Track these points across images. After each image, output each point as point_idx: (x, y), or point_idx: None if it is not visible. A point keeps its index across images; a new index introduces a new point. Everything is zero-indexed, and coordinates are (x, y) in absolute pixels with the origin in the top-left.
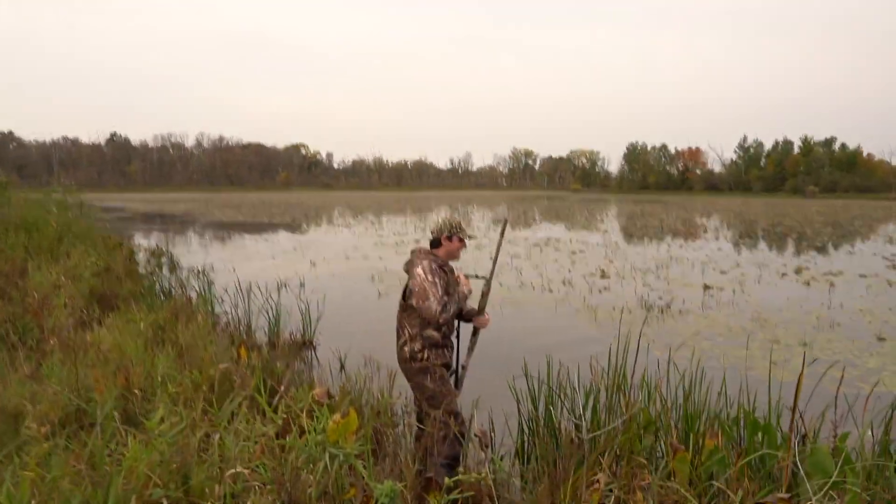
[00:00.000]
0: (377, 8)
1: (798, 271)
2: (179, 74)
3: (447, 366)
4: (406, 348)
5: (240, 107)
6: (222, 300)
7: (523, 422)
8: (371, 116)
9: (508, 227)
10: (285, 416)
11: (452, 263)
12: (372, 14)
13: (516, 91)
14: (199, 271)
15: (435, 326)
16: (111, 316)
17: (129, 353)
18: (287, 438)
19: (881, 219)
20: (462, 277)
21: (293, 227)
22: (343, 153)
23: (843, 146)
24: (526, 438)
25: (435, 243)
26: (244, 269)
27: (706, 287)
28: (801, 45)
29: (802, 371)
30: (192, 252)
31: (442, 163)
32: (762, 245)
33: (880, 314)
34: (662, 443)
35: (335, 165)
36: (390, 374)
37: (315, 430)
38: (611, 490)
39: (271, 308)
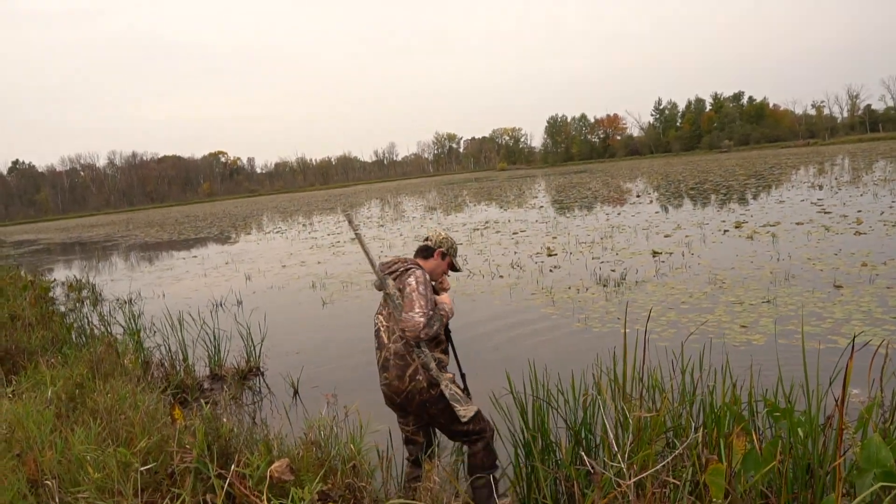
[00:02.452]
0: (285, 7)
1: (738, 226)
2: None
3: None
4: (420, 377)
5: (150, 120)
6: (154, 332)
7: (519, 446)
8: (291, 117)
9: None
10: None
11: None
12: (281, 13)
13: (434, 78)
14: (124, 301)
15: (434, 345)
16: (15, 381)
17: (34, 430)
18: None
19: (795, 165)
20: (445, 296)
21: (222, 239)
22: (265, 157)
23: (751, 99)
24: (523, 467)
25: (428, 252)
26: (175, 291)
27: (655, 253)
28: (703, 3)
29: (853, 352)
30: (117, 280)
31: (367, 156)
32: (695, 204)
33: (829, 261)
34: (683, 454)
35: (258, 170)
36: (352, 407)
37: None
38: None
39: (209, 335)
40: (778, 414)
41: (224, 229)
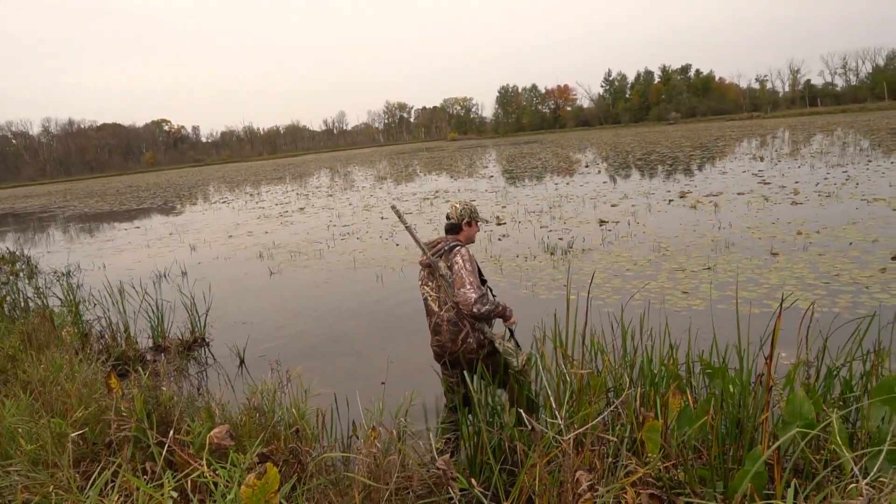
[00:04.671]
0: None
1: (682, 196)
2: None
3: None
4: (471, 339)
5: (87, 87)
6: (94, 304)
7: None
8: (236, 84)
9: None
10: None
11: None
12: None
13: (383, 46)
14: (62, 274)
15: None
16: None
17: None
18: None
19: (739, 137)
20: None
21: (166, 210)
22: (211, 125)
23: (698, 72)
24: (471, 434)
25: (456, 228)
26: (116, 263)
27: (602, 222)
28: None
29: (779, 315)
30: (54, 252)
31: (316, 125)
32: (642, 174)
33: (766, 230)
34: (622, 412)
35: (203, 139)
36: (295, 371)
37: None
38: (593, 486)
39: (151, 306)
40: (711, 373)
41: (168, 199)
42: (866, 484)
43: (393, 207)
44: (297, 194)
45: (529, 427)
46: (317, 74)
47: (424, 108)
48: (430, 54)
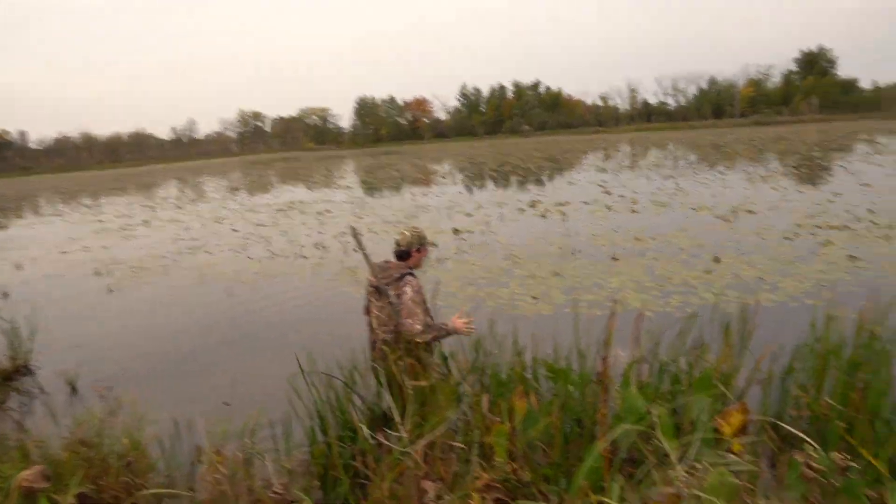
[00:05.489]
0: None
1: (533, 205)
2: None
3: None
4: (400, 363)
5: None
6: None
7: (316, 431)
8: (71, 88)
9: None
10: None
11: None
12: None
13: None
14: None
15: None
16: None
17: None
18: None
19: (585, 151)
20: (461, 322)
21: None
22: (41, 131)
23: (548, 88)
24: (321, 451)
25: (405, 255)
26: None
27: (456, 232)
28: None
29: (612, 316)
30: None
31: (163, 133)
32: (496, 184)
33: (608, 237)
34: (471, 419)
35: (32, 145)
36: (127, 398)
37: None
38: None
39: None
40: (554, 375)
41: None
42: (683, 470)
43: (352, 230)
44: (142, 206)
45: (367, 439)
46: (166, 79)
47: (281, 118)
48: (286, 62)
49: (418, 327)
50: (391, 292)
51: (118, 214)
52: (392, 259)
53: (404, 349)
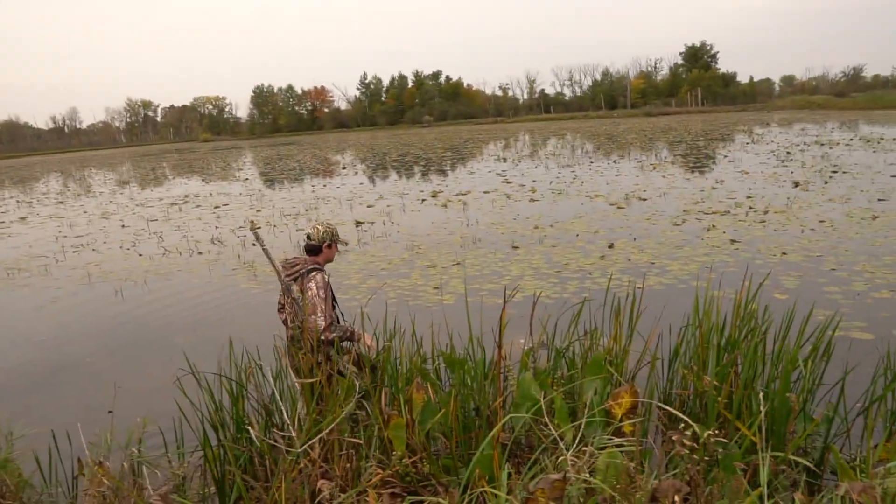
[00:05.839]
0: None
1: (434, 195)
2: None
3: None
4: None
5: None
6: None
7: (207, 431)
8: None
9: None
10: None
11: None
12: None
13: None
14: None
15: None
16: None
17: None
18: None
19: (486, 140)
20: (370, 339)
21: None
22: None
23: (448, 78)
24: (216, 455)
25: (316, 250)
26: None
27: (358, 223)
28: None
29: (504, 305)
30: None
31: (42, 122)
32: (398, 175)
33: (508, 225)
34: (369, 412)
35: None
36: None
37: None
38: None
39: None
40: (451, 365)
41: None
42: (573, 454)
43: (252, 228)
44: (18, 202)
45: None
46: (42, 61)
47: (173, 107)
48: (177, 48)
49: (321, 323)
50: (295, 288)
51: None
52: (299, 254)
53: (312, 347)
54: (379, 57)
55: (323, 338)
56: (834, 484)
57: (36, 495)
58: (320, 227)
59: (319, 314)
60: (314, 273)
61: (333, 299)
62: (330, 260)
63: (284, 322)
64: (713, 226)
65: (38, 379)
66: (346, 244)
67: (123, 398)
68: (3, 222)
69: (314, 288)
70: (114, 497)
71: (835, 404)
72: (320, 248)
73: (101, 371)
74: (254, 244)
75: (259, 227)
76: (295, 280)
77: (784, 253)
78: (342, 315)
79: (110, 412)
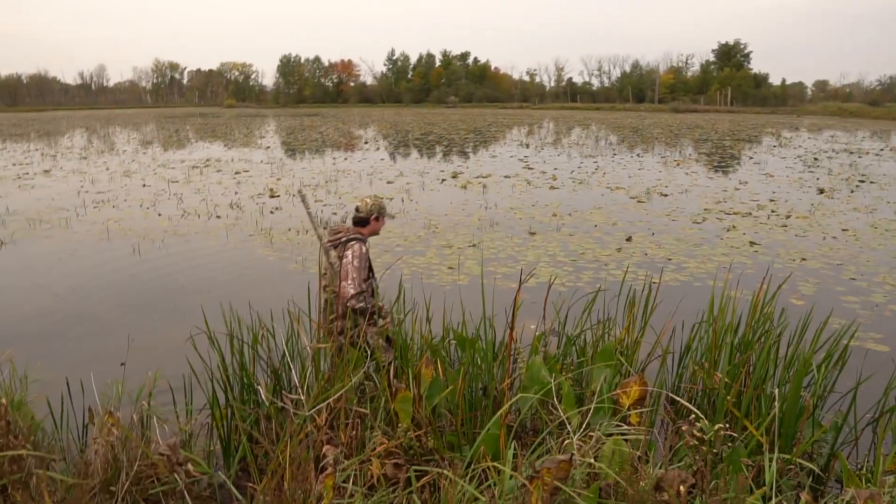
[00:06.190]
0: None
1: (455, 176)
2: None
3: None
4: (339, 323)
5: None
6: None
7: (216, 391)
8: None
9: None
10: None
11: None
12: None
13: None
14: None
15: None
16: None
17: None
18: None
19: (510, 125)
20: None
21: None
22: None
23: (476, 60)
24: (223, 414)
25: (364, 222)
26: None
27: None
28: None
29: (520, 286)
30: None
31: (70, 77)
32: (419, 153)
33: (527, 211)
34: (377, 384)
35: None
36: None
37: None
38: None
39: None
40: (462, 343)
41: None
42: (577, 438)
43: (300, 192)
44: (43, 154)
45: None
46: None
47: (199, 71)
48: (206, 11)
49: (351, 290)
50: (333, 254)
51: (15, 162)
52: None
53: (343, 313)
54: (408, 34)
55: (350, 304)
56: (838, 491)
57: (47, 439)
58: (368, 200)
59: (350, 281)
60: (354, 242)
61: (371, 270)
62: (375, 233)
63: (324, 288)
64: (733, 226)
65: (53, 328)
66: (394, 217)
67: (135, 353)
68: (28, 174)
69: (350, 256)
70: (122, 447)
71: (845, 413)
72: (367, 220)
73: (115, 325)
74: (303, 200)
75: (305, 195)
76: (335, 247)
77: (804, 259)
78: (377, 287)
79: (123, 364)
